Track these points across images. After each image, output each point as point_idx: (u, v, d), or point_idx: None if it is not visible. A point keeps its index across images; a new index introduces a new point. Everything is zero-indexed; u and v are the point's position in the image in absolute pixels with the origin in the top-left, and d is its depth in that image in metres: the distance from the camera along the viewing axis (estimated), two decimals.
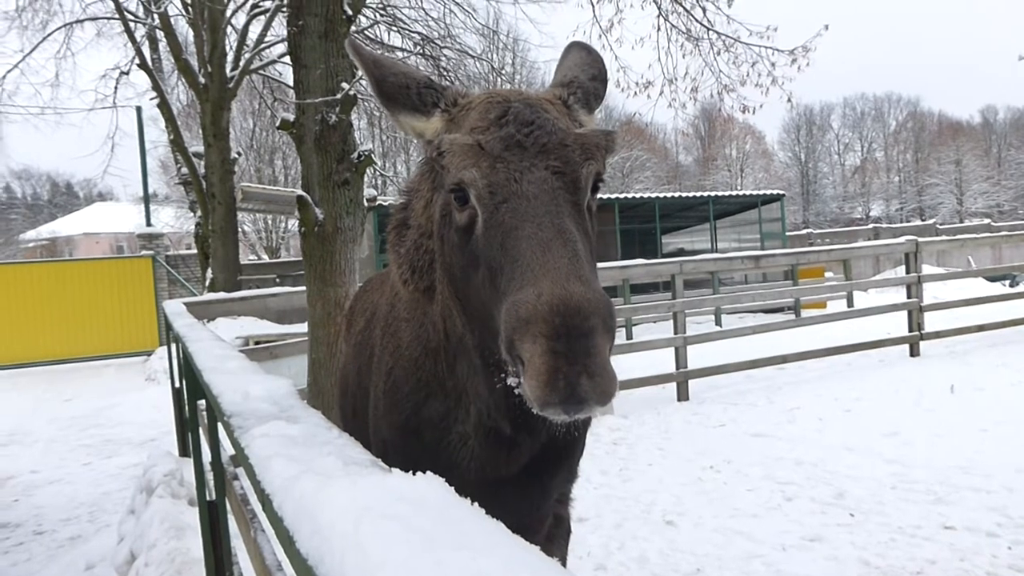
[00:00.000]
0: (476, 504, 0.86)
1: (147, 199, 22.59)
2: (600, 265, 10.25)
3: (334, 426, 1.44)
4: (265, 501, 1.05)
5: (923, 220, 54.94)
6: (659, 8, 9.15)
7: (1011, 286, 19.93)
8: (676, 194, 24.21)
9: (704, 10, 9.04)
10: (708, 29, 9.19)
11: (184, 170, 18.03)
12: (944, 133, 71.99)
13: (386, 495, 0.83)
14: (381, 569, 0.64)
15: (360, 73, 1.96)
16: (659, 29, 9.37)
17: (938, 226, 34.20)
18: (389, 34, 13.32)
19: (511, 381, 1.42)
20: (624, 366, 10.25)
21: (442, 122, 1.85)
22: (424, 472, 1.02)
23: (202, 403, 4.14)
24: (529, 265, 1.39)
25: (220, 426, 3.17)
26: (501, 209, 1.53)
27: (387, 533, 0.70)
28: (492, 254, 1.53)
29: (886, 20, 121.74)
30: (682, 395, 9.46)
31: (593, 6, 9.26)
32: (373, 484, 0.89)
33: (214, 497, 3.37)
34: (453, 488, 0.92)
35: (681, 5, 9.09)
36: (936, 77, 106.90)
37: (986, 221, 42.45)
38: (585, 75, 2.06)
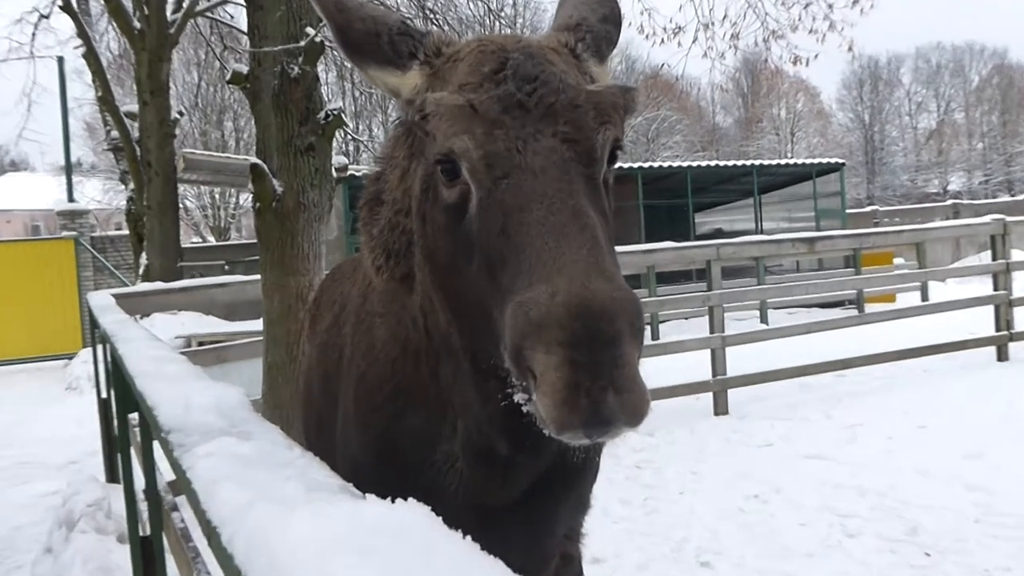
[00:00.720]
0: (468, 538, 0.85)
1: (69, 169, 22.60)
2: (619, 249, 10.29)
3: (295, 443, 1.44)
4: (212, 534, 1.04)
5: (1012, 195, 54.92)
6: None
7: None
8: (713, 163, 24.20)
9: None
10: None
11: (114, 133, 18.03)
12: None
13: (360, 526, 0.82)
14: None
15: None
16: None
17: None
18: None
19: (518, 397, 1.41)
20: (650, 372, 10.21)
21: (422, 77, 1.84)
22: (404, 498, 1.01)
23: (135, 417, 4.14)
24: (540, 256, 1.38)
25: (157, 445, 3.17)
26: (501, 186, 1.52)
27: (362, 571, 0.69)
28: (491, 241, 1.51)
29: None
30: (720, 408, 9.47)
31: None
32: (344, 513, 0.88)
33: (148, 532, 3.38)
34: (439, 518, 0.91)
35: None
36: None
37: None
38: (595, 15, 2.05)
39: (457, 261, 1.65)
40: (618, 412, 1.24)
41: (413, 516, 0.87)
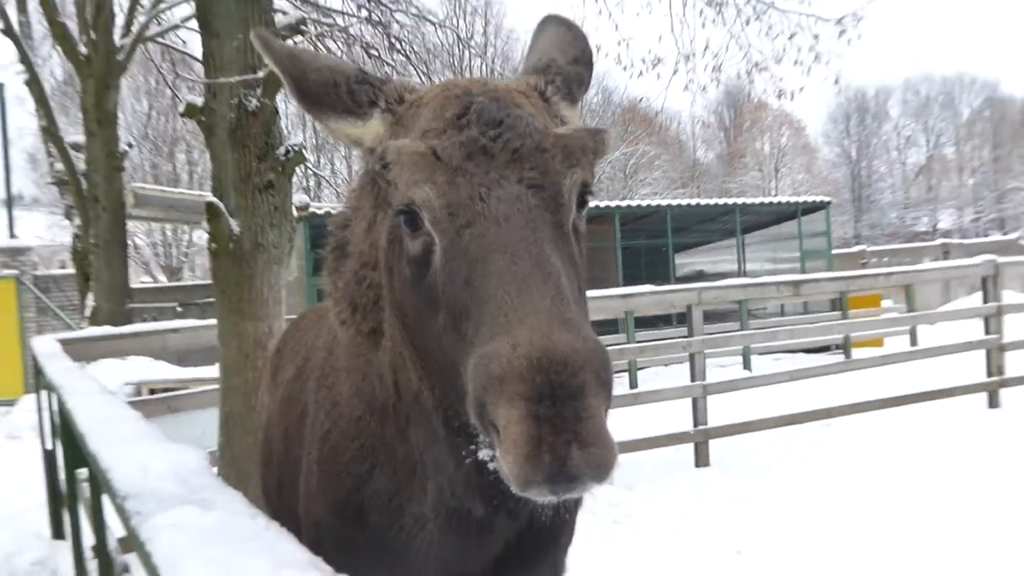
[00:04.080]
0: None
1: (10, 203, 22.48)
2: (596, 293, 10.31)
3: (259, 512, 1.45)
4: None
5: (1004, 234, 55.62)
6: None
7: None
8: (694, 201, 24.41)
9: None
10: None
11: (58, 165, 17.88)
12: None
13: None
14: None
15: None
16: None
17: (1023, 242, 34.70)
18: None
19: (483, 454, 1.43)
20: (627, 423, 10.26)
21: (384, 125, 1.87)
22: (369, 567, 1.03)
23: (83, 472, 4.11)
24: (502, 308, 1.40)
25: (107, 502, 3.14)
26: (464, 236, 1.54)
27: None
28: (455, 292, 1.53)
29: None
30: (701, 460, 9.49)
31: None
32: None
33: None
34: None
35: None
36: (1020, 55, 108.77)
37: None
38: (564, 57, 2.09)
39: (425, 315, 1.66)
40: (583, 467, 1.25)
41: None
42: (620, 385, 16.61)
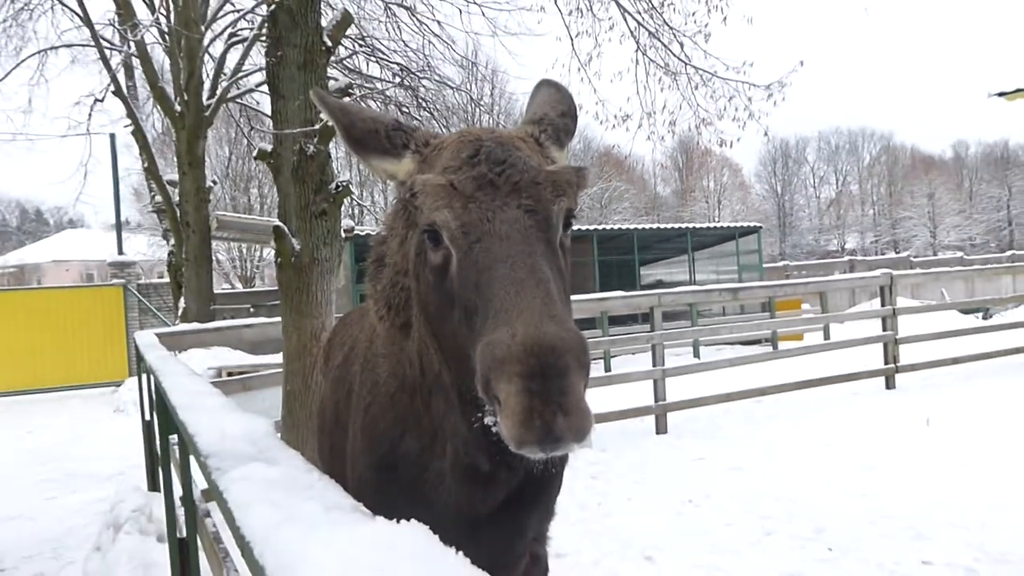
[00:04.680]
0: (453, 544, 0.86)
1: (119, 227, 22.42)
2: (578, 297, 10.28)
3: (314, 468, 1.43)
4: (245, 548, 1.04)
5: (897, 253, 55.65)
6: (637, 43, 9.30)
7: (984, 319, 20.21)
8: (654, 226, 24.44)
9: (682, 45, 9.22)
10: (686, 64, 9.36)
11: (158, 198, 17.91)
12: (917, 167, 73.25)
13: (371, 545, 0.83)
14: None
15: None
16: (637, 63, 9.53)
17: (912, 259, 34.73)
18: (368, 64, 13.40)
19: (488, 420, 1.43)
20: (602, 399, 10.24)
21: (414, 163, 1.87)
22: (401, 510, 1.02)
23: (174, 438, 4.09)
24: (503, 305, 1.40)
25: (192, 462, 3.13)
26: (475, 249, 1.54)
27: None
28: (467, 294, 1.54)
29: (859, 56, 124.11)
30: (661, 428, 9.47)
31: (572, 40, 9.40)
32: (357, 534, 0.88)
33: (185, 534, 3.32)
34: (429, 527, 0.92)
35: (659, 40, 9.25)
36: (909, 112, 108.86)
37: (959, 254, 43.03)
38: (555, 111, 2.10)
39: (443, 311, 1.66)
40: (566, 431, 1.25)
41: (414, 535, 0.88)
42: (596, 369, 16.59)
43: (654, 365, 9.74)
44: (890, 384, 11.41)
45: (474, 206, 1.58)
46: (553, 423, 1.24)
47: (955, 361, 12.09)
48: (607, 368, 16.25)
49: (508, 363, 1.28)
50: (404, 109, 12.60)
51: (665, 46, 9.26)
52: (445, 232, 1.61)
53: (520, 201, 1.59)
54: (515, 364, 1.27)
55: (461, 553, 0.84)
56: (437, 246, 1.65)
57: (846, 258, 37.33)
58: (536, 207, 1.60)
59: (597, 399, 10.42)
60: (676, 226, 24.29)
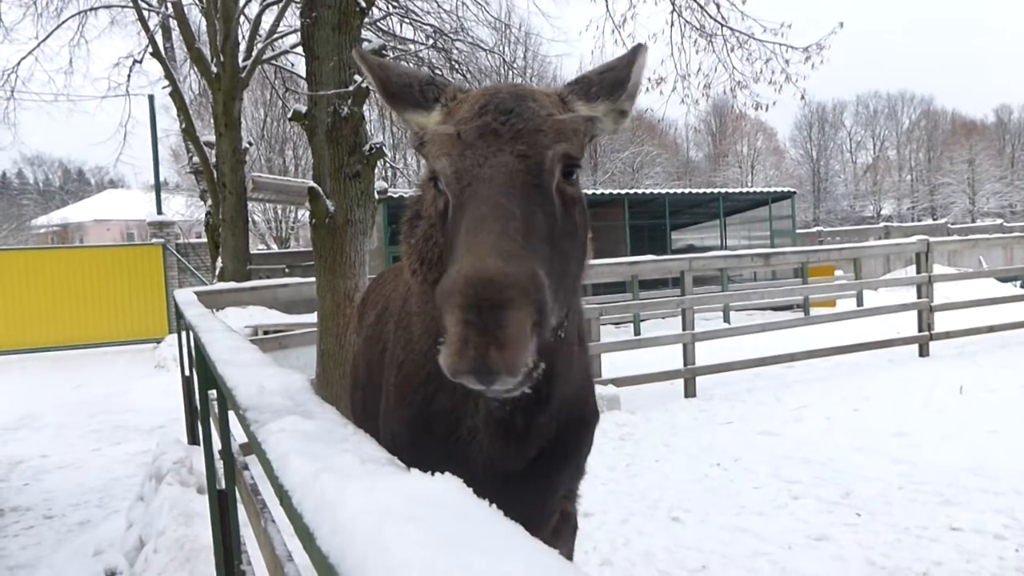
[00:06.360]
0: (487, 499, 0.87)
1: (158, 187, 22.65)
2: (609, 260, 10.25)
3: (348, 422, 1.45)
4: (283, 496, 1.06)
5: (935, 219, 54.62)
6: (673, 4, 9.12)
7: (1022, 287, 19.82)
8: (686, 190, 24.11)
9: (718, 6, 9.01)
10: (722, 25, 9.16)
11: (195, 159, 18.05)
12: (957, 132, 71.43)
13: (406, 495, 0.84)
14: (405, 568, 0.65)
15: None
16: (672, 25, 9.34)
17: (950, 226, 34.03)
18: (401, 26, 13.33)
19: (439, 349, 1.43)
20: (632, 361, 10.25)
21: (441, 115, 1.87)
22: (434, 465, 1.03)
23: (213, 393, 4.16)
24: (462, 242, 1.43)
25: (231, 416, 3.18)
26: (464, 193, 1.56)
27: (409, 534, 0.71)
28: (454, 236, 1.56)
29: (900, 18, 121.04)
30: (690, 391, 9.46)
31: (607, 1, 9.24)
32: (392, 484, 0.90)
33: (224, 486, 3.39)
34: (464, 483, 0.93)
35: (695, 0, 9.06)
36: (950, 76, 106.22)
37: (998, 221, 42.18)
38: (598, 70, 2.05)
39: (448, 257, 1.68)
40: (500, 363, 1.26)
41: (449, 487, 0.88)
42: (626, 333, 16.58)
43: (684, 329, 9.70)
44: (924, 352, 11.28)
45: (470, 152, 1.60)
46: (486, 355, 1.26)
47: (991, 329, 11.91)
48: (637, 332, 16.24)
49: (452, 295, 1.30)
50: (437, 71, 12.53)
51: (701, 7, 9.06)
52: (443, 178, 1.64)
53: (515, 148, 1.59)
54: (456, 296, 1.29)
55: (495, 505, 0.85)
56: (439, 193, 1.69)
57: (882, 224, 36.74)
58: (530, 152, 1.60)
59: (627, 362, 10.45)
60: (708, 191, 23.95)
